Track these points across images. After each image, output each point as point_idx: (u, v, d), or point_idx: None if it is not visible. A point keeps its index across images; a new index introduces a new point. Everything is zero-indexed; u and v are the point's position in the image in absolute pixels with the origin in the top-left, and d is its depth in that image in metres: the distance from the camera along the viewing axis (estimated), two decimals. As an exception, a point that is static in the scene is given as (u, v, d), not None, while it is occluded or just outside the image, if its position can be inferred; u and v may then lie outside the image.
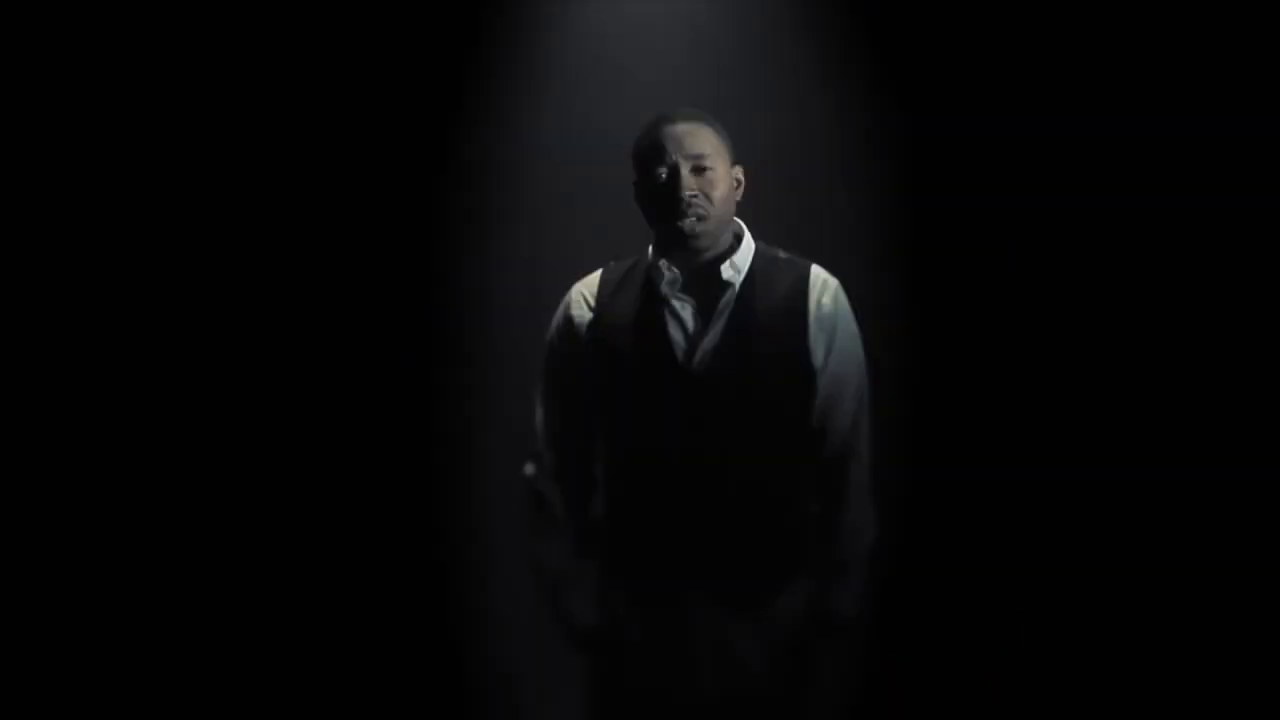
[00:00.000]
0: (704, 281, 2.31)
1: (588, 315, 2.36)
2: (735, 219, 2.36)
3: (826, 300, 2.33)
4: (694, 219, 2.27)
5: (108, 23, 3.37)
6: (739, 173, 2.35)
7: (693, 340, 2.30)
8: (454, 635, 3.47)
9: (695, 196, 2.27)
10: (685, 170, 2.27)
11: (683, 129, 2.29)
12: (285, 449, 3.40)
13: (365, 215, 3.42)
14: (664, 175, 2.28)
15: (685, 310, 2.31)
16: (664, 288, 2.31)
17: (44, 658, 3.35)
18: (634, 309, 2.33)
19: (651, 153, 2.30)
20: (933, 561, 3.20)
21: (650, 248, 2.37)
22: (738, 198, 2.35)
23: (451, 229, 3.38)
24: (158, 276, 3.43)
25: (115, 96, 3.39)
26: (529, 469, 2.41)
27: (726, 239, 2.34)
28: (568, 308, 2.39)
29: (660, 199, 2.28)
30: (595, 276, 2.41)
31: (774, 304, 2.31)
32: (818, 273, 2.35)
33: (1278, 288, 3.09)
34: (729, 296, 2.30)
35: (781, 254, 2.37)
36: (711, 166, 2.28)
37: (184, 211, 3.42)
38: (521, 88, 3.35)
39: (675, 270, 2.31)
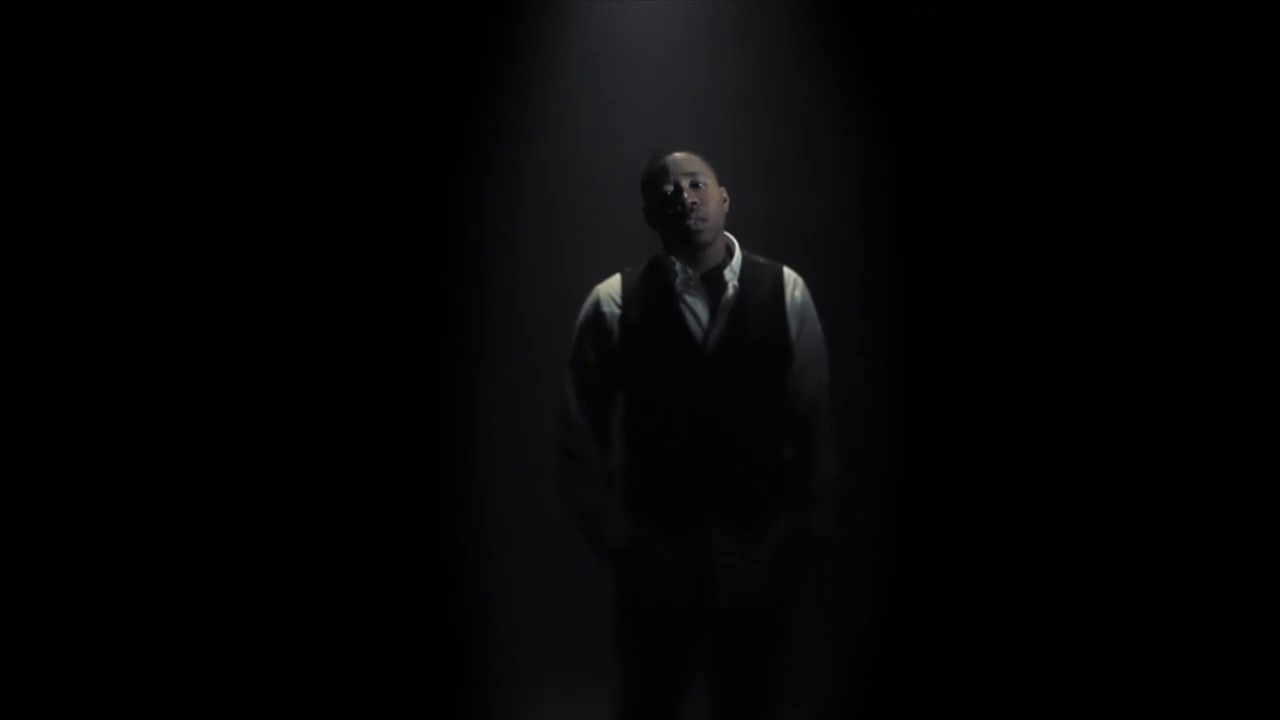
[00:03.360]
0: (710, 284, 3.01)
1: (617, 311, 3.03)
2: (726, 233, 3.06)
3: (798, 294, 3.06)
4: (696, 218, 2.97)
5: (132, 23, 3.63)
6: (724, 192, 3.05)
7: (706, 331, 2.99)
8: (457, 626, 3.96)
9: (695, 204, 2.97)
10: (685, 184, 2.98)
11: (680, 156, 3.01)
12: (294, 444, 3.72)
13: (375, 223, 3.81)
14: (670, 190, 2.98)
15: (697, 306, 3.00)
16: (679, 285, 3.00)
17: (51, 658, 3.57)
18: (655, 306, 3.01)
19: (658, 175, 3.00)
20: (926, 560, 3.65)
21: (660, 255, 3.05)
22: (726, 210, 3.04)
23: (459, 237, 3.91)
24: (165, 274, 3.66)
25: (136, 95, 3.63)
26: (562, 431, 3.06)
27: (721, 250, 3.04)
28: (597, 305, 3.05)
29: (668, 207, 2.98)
30: (616, 280, 3.07)
31: (761, 299, 3.02)
32: (788, 272, 3.08)
33: (1262, 289, 3.41)
34: (730, 296, 3.00)
35: (760, 259, 3.08)
36: (704, 183, 2.99)
37: (198, 210, 3.67)
38: (521, 132, 3.97)
39: (690, 271, 3.01)
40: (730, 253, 3.06)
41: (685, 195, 2.97)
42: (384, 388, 3.83)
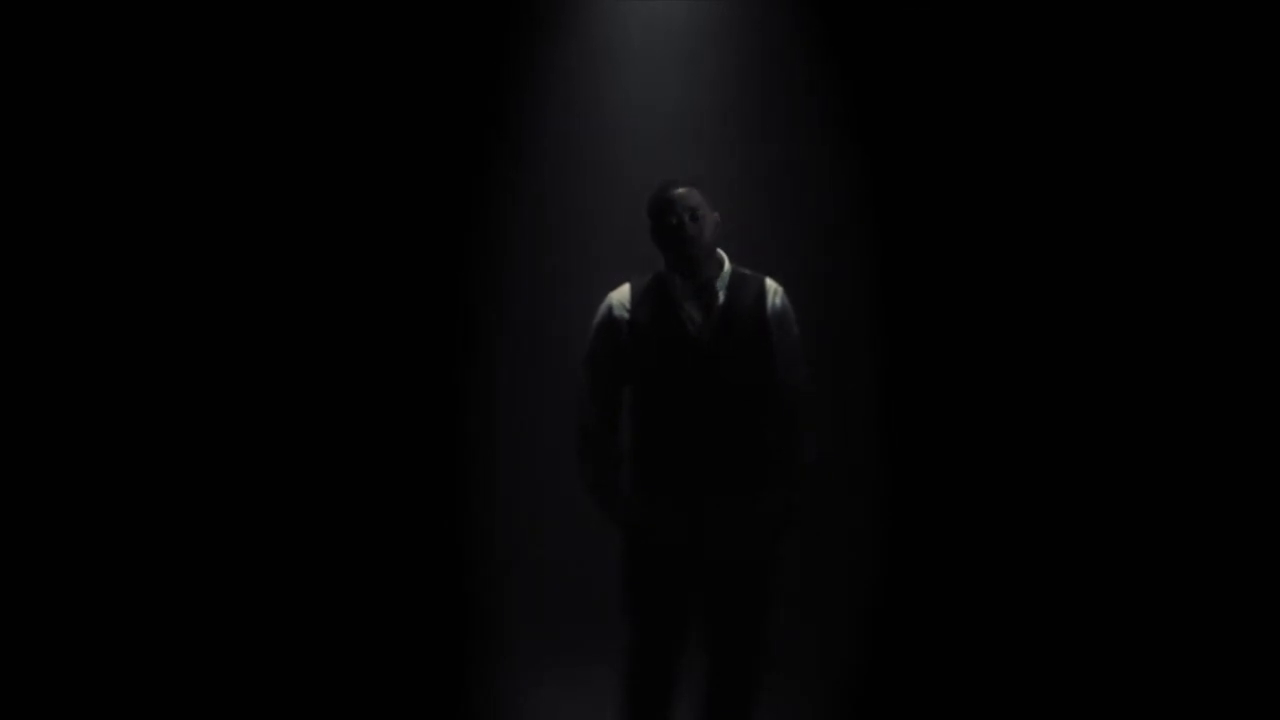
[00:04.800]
0: (704, 293, 3.56)
1: (626, 315, 3.57)
2: (719, 250, 3.60)
3: (777, 300, 3.61)
4: (694, 246, 3.51)
5: (167, 28, 3.86)
6: (718, 216, 3.58)
7: (700, 332, 3.54)
8: (463, 607, 4.33)
9: (694, 236, 3.52)
10: (686, 219, 3.52)
11: (682, 192, 3.53)
12: (314, 432, 4.03)
13: (395, 237, 4.14)
14: (673, 223, 3.51)
15: (693, 311, 3.55)
16: (678, 295, 3.55)
17: (67, 652, 3.79)
18: (658, 311, 3.56)
19: (663, 208, 3.53)
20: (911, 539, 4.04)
21: (662, 268, 3.59)
22: (719, 231, 3.57)
23: (474, 250, 4.39)
24: (175, 276, 3.90)
25: (166, 98, 3.86)
26: (580, 416, 3.59)
27: (714, 264, 3.58)
28: (610, 310, 3.60)
29: (672, 236, 3.52)
30: (625, 288, 3.61)
31: (746, 305, 3.57)
32: (769, 282, 3.62)
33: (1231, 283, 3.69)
34: (720, 303, 3.55)
35: (747, 271, 3.62)
36: (701, 216, 3.53)
37: (216, 211, 3.91)
38: (534, 145, 4.46)
39: (687, 283, 3.55)
40: (721, 266, 3.61)
41: (686, 229, 3.51)
42: (404, 379, 4.18)
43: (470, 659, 4.38)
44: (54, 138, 3.88)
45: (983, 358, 4.07)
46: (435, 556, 4.24)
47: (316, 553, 4.09)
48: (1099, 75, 3.89)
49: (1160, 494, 3.84)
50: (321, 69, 4.08)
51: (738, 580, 3.55)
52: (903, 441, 4.17)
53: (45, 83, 3.86)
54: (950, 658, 4.02)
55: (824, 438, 3.62)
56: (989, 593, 4.01)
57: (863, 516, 4.34)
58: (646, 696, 3.59)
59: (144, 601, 3.94)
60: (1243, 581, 3.73)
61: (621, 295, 3.62)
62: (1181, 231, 3.84)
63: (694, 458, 3.53)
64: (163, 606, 3.95)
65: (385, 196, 4.19)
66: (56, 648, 3.85)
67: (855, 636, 4.31)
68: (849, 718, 4.17)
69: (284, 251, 4.08)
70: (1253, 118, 3.79)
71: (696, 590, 3.57)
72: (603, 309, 3.63)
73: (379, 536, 4.16)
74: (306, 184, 4.09)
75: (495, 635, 4.49)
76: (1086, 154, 3.93)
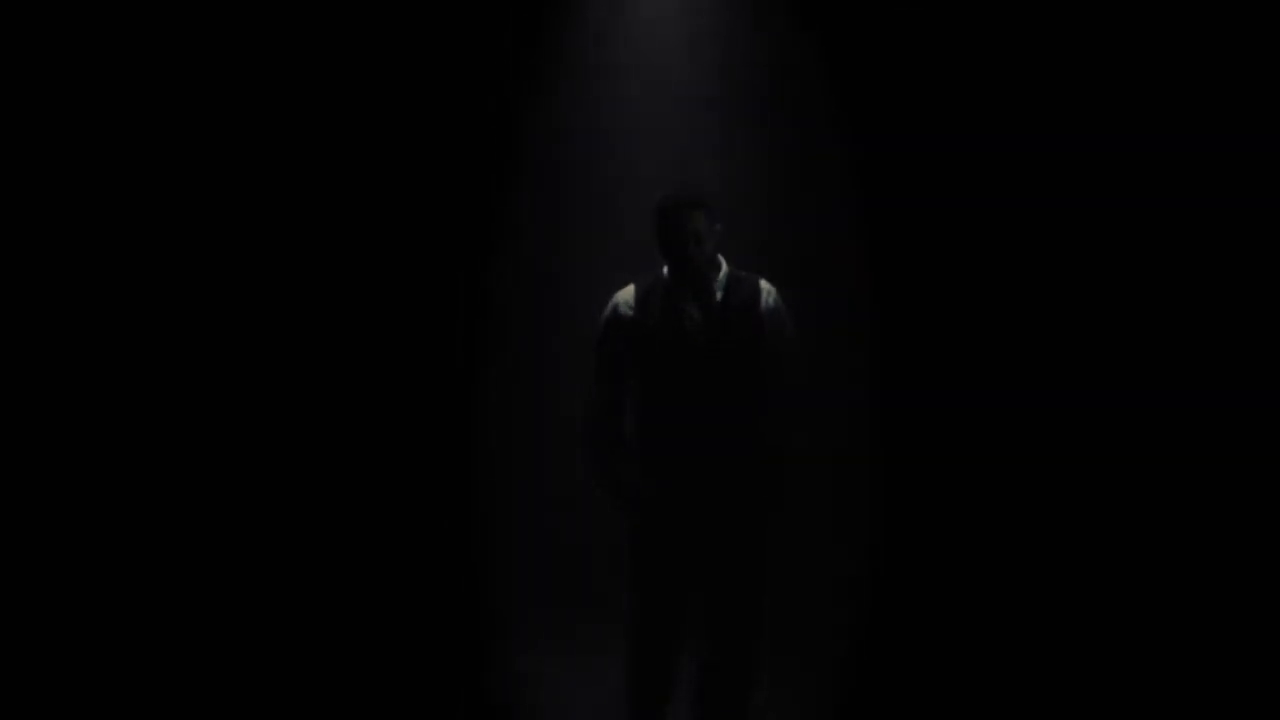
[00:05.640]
0: (702, 294, 3.83)
1: (631, 315, 3.85)
2: (719, 255, 3.87)
3: (771, 300, 3.88)
4: (694, 265, 3.77)
5: (188, 29, 3.96)
6: (719, 227, 3.84)
7: (699, 329, 3.81)
8: (475, 584, 4.54)
9: (694, 257, 3.77)
10: (690, 241, 3.76)
11: (689, 215, 3.75)
12: (330, 421, 4.17)
13: (402, 238, 4.30)
14: (677, 241, 3.76)
15: (692, 310, 3.82)
16: (679, 296, 3.82)
17: (84, 650, 3.88)
18: (659, 310, 3.83)
19: (670, 228, 3.76)
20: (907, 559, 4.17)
21: (665, 271, 3.86)
22: (718, 239, 3.84)
23: (481, 252, 4.65)
24: (184, 273, 4.00)
25: (186, 97, 3.97)
26: (587, 408, 3.88)
27: (713, 270, 3.85)
28: (616, 309, 3.88)
29: (674, 255, 3.78)
30: (630, 289, 3.89)
31: (741, 305, 3.84)
32: (764, 283, 3.88)
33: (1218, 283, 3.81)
34: (716, 304, 3.82)
35: (742, 272, 3.89)
36: (705, 238, 3.78)
37: (225, 211, 4.03)
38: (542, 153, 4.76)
39: (687, 286, 3.82)
40: (718, 269, 3.89)
41: (689, 251, 3.77)
42: (417, 370, 4.39)
43: (480, 638, 4.58)
44: (105, 136, 4.03)
45: (977, 356, 4.22)
46: (445, 544, 4.42)
47: (327, 540, 4.20)
48: (1095, 68, 3.98)
49: (1151, 488, 3.93)
50: (327, 74, 4.20)
51: (733, 564, 3.83)
52: (897, 439, 4.35)
53: (92, 80, 3.98)
54: (946, 655, 4.13)
55: (818, 433, 3.89)
56: (985, 590, 4.12)
57: (857, 512, 4.57)
58: (650, 670, 3.84)
59: (154, 586, 4.04)
60: (1239, 582, 3.86)
61: (626, 295, 3.90)
62: (1177, 234, 3.94)
63: (692, 449, 3.81)
64: (171, 599, 4.04)
65: (391, 198, 4.36)
66: (70, 651, 3.96)
67: (852, 634, 4.49)
68: (847, 715, 4.35)
69: (290, 255, 4.21)
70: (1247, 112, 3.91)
71: (695, 578, 3.84)
72: (609, 308, 3.91)
73: (389, 527, 4.31)
74: (313, 187, 4.22)
75: (504, 617, 4.75)
76: (1082, 147, 4.03)
